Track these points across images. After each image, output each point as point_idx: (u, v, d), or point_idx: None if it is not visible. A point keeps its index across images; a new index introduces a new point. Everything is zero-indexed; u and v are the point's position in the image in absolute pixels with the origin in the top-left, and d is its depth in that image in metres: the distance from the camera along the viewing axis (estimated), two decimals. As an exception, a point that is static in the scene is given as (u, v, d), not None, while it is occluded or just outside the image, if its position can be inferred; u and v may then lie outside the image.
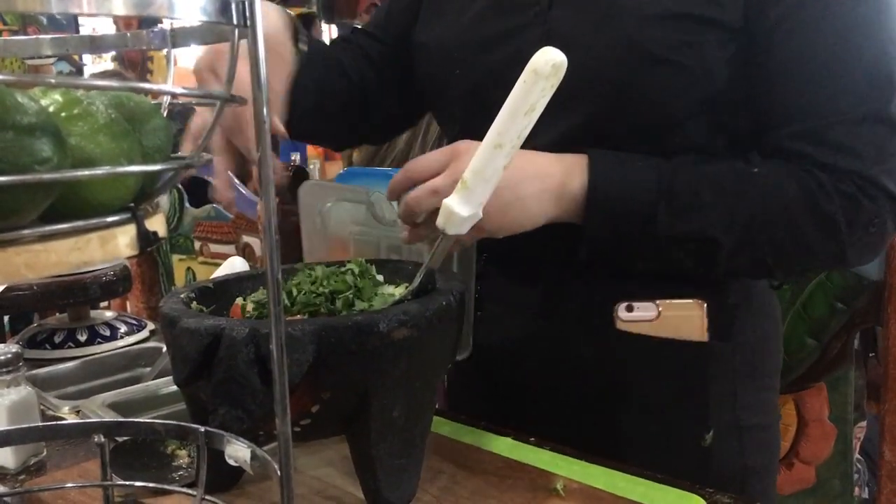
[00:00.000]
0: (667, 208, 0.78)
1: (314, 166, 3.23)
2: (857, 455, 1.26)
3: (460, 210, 0.71)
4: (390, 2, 1.10)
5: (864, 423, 1.26)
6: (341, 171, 1.68)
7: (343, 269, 0.80)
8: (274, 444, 0.69)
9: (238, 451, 0.53)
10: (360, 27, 1.24)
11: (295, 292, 0.76)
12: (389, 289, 0.79)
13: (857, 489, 1.25)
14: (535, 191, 0.79)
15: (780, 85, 0.80)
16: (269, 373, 0.63)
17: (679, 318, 0.86)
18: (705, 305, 0.86)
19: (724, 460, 0.90)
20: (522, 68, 0.87)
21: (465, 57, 0.94)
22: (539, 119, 0.86)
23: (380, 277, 0.81)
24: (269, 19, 0.91)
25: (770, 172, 0.80)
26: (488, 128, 0.97)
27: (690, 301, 0.86)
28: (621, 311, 0.87)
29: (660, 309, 0.86)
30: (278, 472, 0.46)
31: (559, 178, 0.80)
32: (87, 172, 0.35)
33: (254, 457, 0.53)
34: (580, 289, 0.89)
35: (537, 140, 0.87)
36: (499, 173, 0.72)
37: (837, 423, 1.19)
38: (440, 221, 0.73)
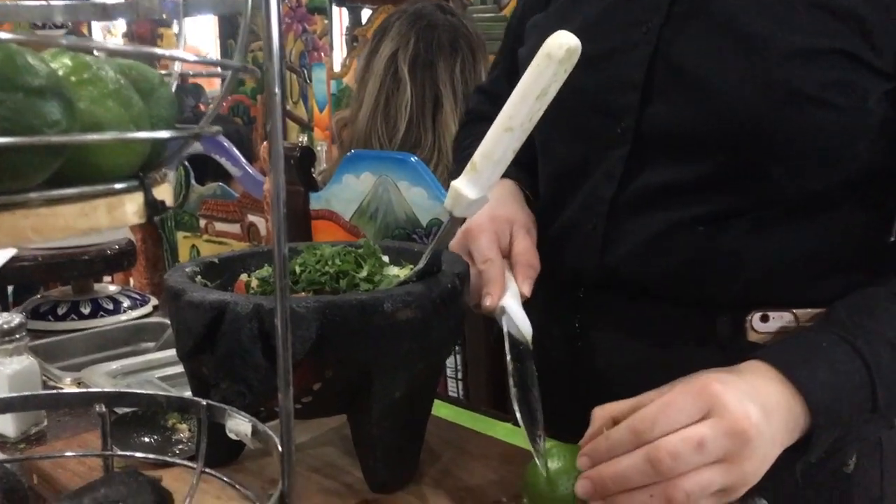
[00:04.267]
0: (884, 391, 0.68)
1: (321, 148, 3.22)
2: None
3: (468, 192, 0.71)
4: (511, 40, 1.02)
5: None
6: (347, 154, 1.68)
7: (349, 249, 0.79)
8: (275, 421, 0.69)
9: (239, 426, 0.53)
10: (485, 89, 1.11)
11: (299, 271, 0.76)
12: (394, 270, 0.79)
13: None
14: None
15: None
16: (272, 349, 0.63)
17: None
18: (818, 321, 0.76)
19: (864, 485, 0.83)
20: (622, 95, 0.80)
21: None
22: (659, 162, 0.79)
23: (385, 259, 0.81)
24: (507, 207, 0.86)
25: None
26: (571, 154, 0.89)
27: None
28: (755, 322, 0.78)
29: (798, 318, 0.77)
30: (279, 448, 0.46)
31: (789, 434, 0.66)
32: (96, 137, 0.35)
33: (255, 431, 0.53)
34: (701, 301, 0.80)
35: (645, 180, 0.79)
36: (508, 157, 0.71)
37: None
38: (448, 203, 0.72)
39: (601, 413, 0.66)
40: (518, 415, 0.68)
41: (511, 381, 0.69)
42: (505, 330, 0.73)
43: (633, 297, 0.84)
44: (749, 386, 0.63)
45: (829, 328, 0.70)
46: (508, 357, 0.71)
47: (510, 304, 0.74)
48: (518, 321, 0.74)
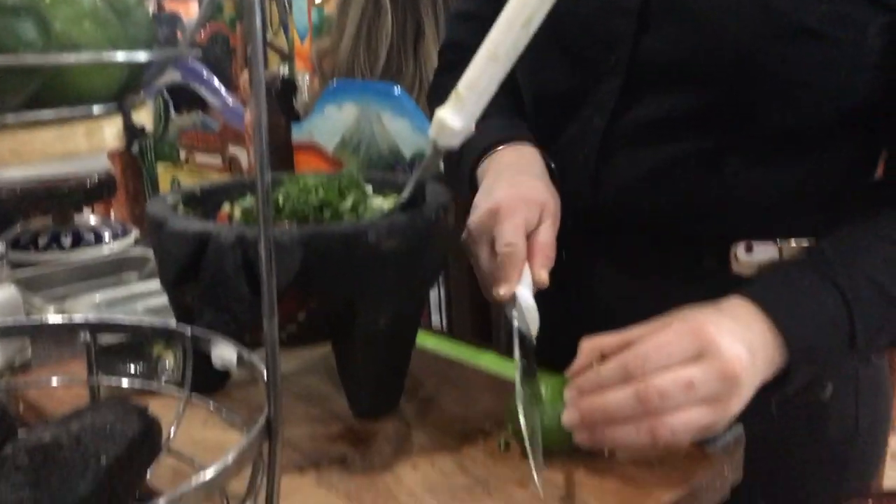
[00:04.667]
0: (863, 330, 0.68)
1: (303, 78, 3.17)
2: None
3: (453, 122, 0.70)
4: None
5: None
6: (329, 85, 1.65)
7: (333, 179, 0.79)
8: (260, 349, 0.70)
9: (224, 354, 0.54)
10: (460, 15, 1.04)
11: (282, 201, 0.76)
12: (378, 201, 0.79)
13: None
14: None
15: None
16: (256, 279, 0.63)
17: None
18: (802, 257, 0.76)
19: (839, 413, 0.85)
20: (617, 22, 0.78)
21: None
22: (653, 95, 0.78)
23: (369, 189, 0.80)
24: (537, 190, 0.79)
25: None
26: (563, 82, 0.86)
27: (816, 241, 0.77)
28: (740, 252, 0.78)
29: (781, 250, 0.78)
30: (264, 374, 0.46)
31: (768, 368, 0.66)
32: (72, 57, 0.34)
33: (240, 359, 0.53)
34: (692, 238, 0.81)
35: (638, 112, 0.79)
36: (494, 85, 0.70)
37: None
38: (432, 133, 0.71)
39: (589, 345, 0.67)
40: (522, 419, 0.65)
41: (518, 382, 0.67)
42: (515, 326, 0.71)
43: (622, 230, 0.84)
44: (737, 326, 0.64)
45: (813, 265, 0.71)
46: (517, 355, 0.69)
47: (523, 293, 0.71)
48: (527, 312, 0.70)
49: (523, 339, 0.70)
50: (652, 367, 0.61)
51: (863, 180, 0.81)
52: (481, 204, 0.77)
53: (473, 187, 0.87)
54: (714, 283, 0.72)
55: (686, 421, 0.61)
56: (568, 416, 0.64)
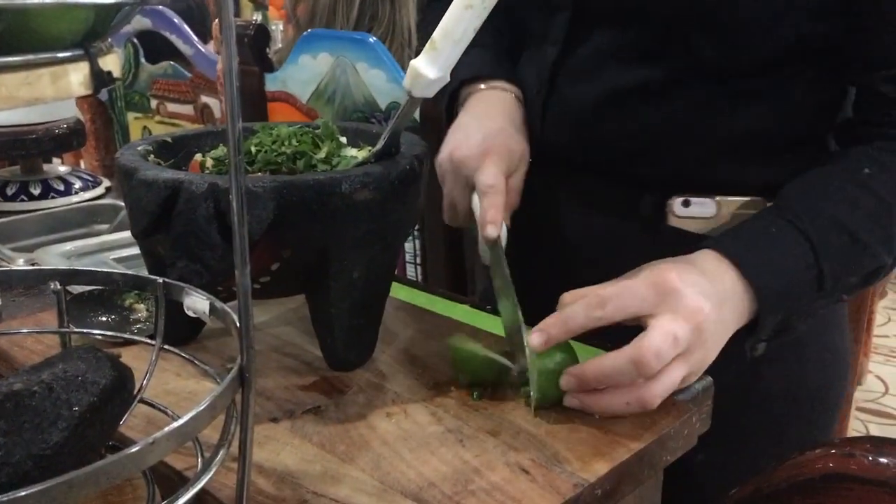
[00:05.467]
0: (830, 272, 0.70)
1: (276, 27, 3.12)
2: None
3: (427, 72, 0.69)
4: None
5: None
6: (304, 34, 1.63)
7: (306, 129, 0.78)
8: (233, 301, 0.69)
9: (197, 303, 0.53)
10: None
11: (255, 151, 0.75)
12: (352, 151, 0.78)
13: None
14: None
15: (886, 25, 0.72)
16: (228, 229, 0.62)
17: (740, 218, 0.77)
18: (769, 205, 0.77)
19: (778, 374, 0.85)
20: None
21: None
22: (597, 30, 0.80)
23: (343, 140, 0.80)
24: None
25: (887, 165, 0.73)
26: (525, 19, 0.89)
27: (754, 199, 0.78)
28: (676, 206, 0.80)
29: (720, 206, 0.79)
30: (237, 323, 0.46)
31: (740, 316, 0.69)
32: (37, 1, 0.33)
33: (212, 309, 0.53)
34: (632, 181, 0.83)
35: (585, 46, 0.81)
36: (469, 35, 0.69)
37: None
38: (407, 83, 0.71)
39: (571, 299, 0.68)
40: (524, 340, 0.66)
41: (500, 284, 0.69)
42: (489, 259, 0.73)
43: (569, 165, 0.86)
44: (704, 278, 0.66)
45: (778, 212, 0.72)
46: (506, 270, 0.70)
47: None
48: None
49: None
50: (613, 308, 0.63)
51: (810, 141, 0.81)
52: (456, 135, 0.81)
53: (451, 114, 0.90)
54: (652, 230, 0.73)
55: (668, 383, 0.63)
56: (566, 381, 0.65)
